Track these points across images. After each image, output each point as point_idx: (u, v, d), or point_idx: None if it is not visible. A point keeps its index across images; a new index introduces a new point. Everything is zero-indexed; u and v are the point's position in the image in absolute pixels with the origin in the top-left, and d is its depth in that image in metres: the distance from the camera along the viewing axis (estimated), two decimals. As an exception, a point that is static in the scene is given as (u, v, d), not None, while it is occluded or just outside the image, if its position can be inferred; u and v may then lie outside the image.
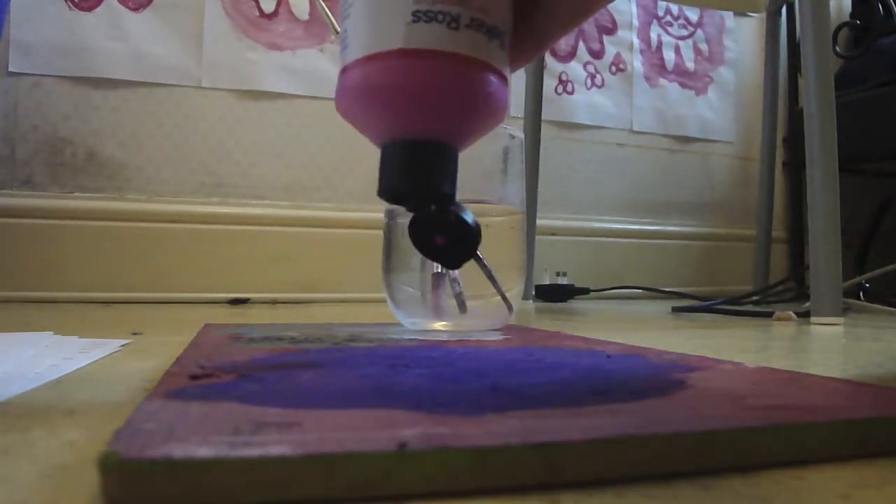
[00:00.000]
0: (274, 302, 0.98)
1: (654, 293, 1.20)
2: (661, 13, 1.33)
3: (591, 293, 1.14)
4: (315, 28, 1.04)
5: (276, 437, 0.15)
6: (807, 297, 0.73)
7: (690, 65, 1.34)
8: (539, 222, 1.08)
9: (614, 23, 1.28)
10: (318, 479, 0.14)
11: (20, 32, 0.90)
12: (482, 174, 0.46)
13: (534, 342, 0.38)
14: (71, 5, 0.92)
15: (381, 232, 0.47)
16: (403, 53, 0.22)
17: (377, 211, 0.49)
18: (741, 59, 1.39)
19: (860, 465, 0.17)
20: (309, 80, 1.03)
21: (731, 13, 1.38)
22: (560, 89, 1.22)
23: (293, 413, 0.18)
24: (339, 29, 0.24)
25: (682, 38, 1.34)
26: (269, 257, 1.00)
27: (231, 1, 1.00)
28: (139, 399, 0.21)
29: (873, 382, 0.25)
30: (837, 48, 1.10)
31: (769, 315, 0.74)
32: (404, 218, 0.46)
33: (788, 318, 0.72)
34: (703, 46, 1.36)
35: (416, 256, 0.44)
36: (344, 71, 0.23)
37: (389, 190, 0.23)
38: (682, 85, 1.33)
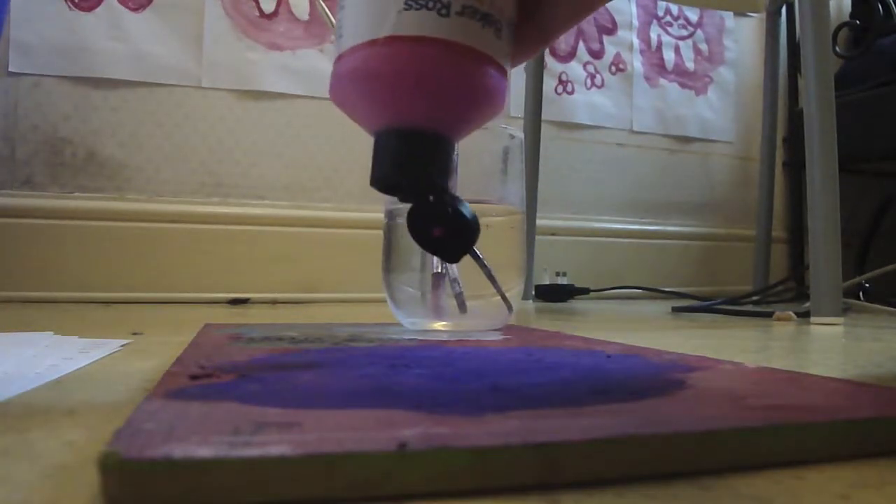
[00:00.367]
0: (274, 302, 0.98)
1: (654, 293, 1.20)
2: (661, 13, 1.33)
3: (591, 293, 1.14)
4: (315, 28, 1.04)
5: (276, 437, 0.15)
6: (807, 297, 0.73)
7: (690, 65, 1.34)
8: (539, 222, 1.08)
9: (614, 23, 1.28)
10: (318, 479, 0.14)
11: (20, 32, 0.90)
12: (482, 174, 0.46)
13: (534, 342, 0.38)
14: (71, 5, 0.92)
15: (381, 232, 0.47)
16: (392, 40, 0.22)
17: (377, 211, 0.49)
18: (741, 59, 1.39)
19: (860, 465, 0.17)
20: (309, 80, 1.03)
21: (731, 13, 1.38)
22: (560, 89, 1.22)
23: (293, 413, 0.18)
24: (337, 25, 0.24)
25: (682, 38, 1.34)
26: (269, 257, 1.00)
27: (231, 1, 1.00)
28: (139, 399, 0.21)
29: (873, 382, 0.25)
30: (837, 48, 1.10)
31: (769, 315, 0.74)
32: (404, 218, 0.46)
33: (788, 318, 0.72)
34: (703, 46, 1.36)
35: (416, 256, 0.44)
36: (338, 59, 0.23)
37: (381, 179, 0.23)
38: (682, 85, 1.33)
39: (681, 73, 1.33)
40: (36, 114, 0.91)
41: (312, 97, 1.03)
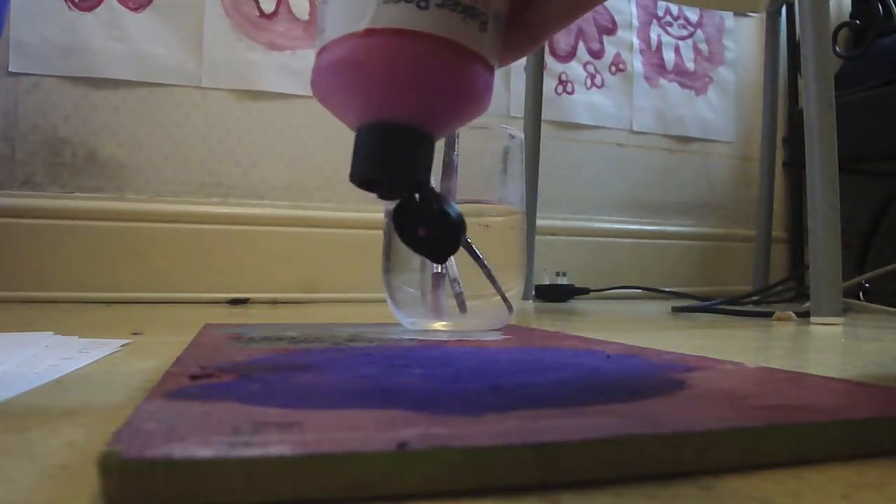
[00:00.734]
0: (274, 302, 0.98)
1: (654, 293, 1.20)
2: (660, 13, 1.33)
3: (591, 293, 1.14)
4: (315, 28, 1.04)
5: (275, 437, 0.15)
6: (807, 297, 0.73)
7: (690, 65, 1.34)
8: (539, 222, 1.08)
9: (614, 23, 1.28)
10: (318, 479, 0.14)
11: (20, 32, 0.90)
12: (482, 174, 0.46)
13: (534, 342, 0.38)
14: (71, 5, 0.92)
15: (381, 232, 0.47)
16: (370, 33, 0.21)
17: (377, 211, 0.49)
18: (741, 59, 1.39)
19: (860, 465, 0.17)
20: (309, 80, 1.02)
21: (731, 13, 1.38)
22: (560, 89, 1.22)
23: (293, 413, 0.18)
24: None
25: (682, 38, 1.34)
26: (269, 257, 1.00)
27: (231, 1, 1.00)
28: (139, 399, 0.21)
29: (873, 382, 0.25)
30: (837, 48, 1.10)
31: (769, 315, 0.74)
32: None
33: (788, 318, 0.72)
34: (703, 46, 1.36)
35: (415, 256, 0.44)
36: (319, 53, 0.23)
37: (359, 174, 0.23)
38: (682, 85, 1.33)
39: (681, 73, 1.33)
40: (36, 114, 0.91)
41: (312, 97, 1.03)
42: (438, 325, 0.45)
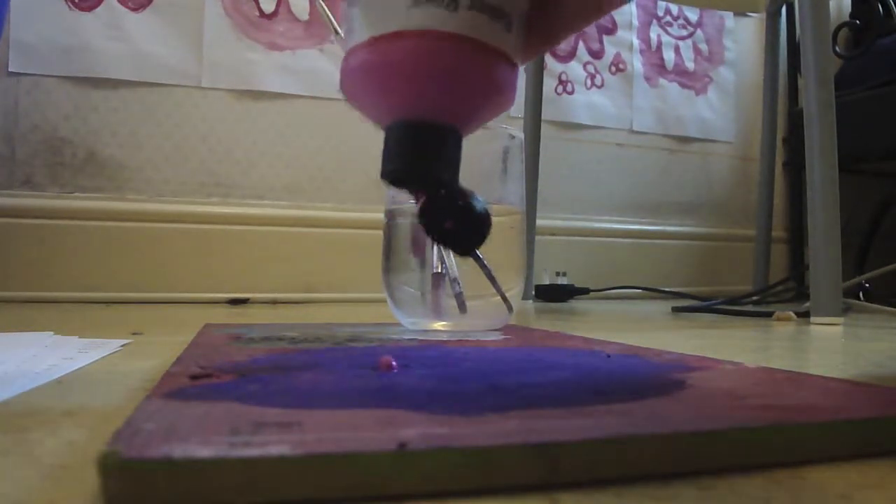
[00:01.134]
0: (274, 302, 0.98)
1: (654, 293, 1.20)
2: (660, 13, 1.33)
3: (591, 293, 1.14)
4: (315, 28, 1.04)
5: (275, 437, 0.15)
6: (807, 297, 0.73)
7: (690, 65, 1.34)
8: (539, 222, 1.08)
9: (614, 23, 1.28)
10: (318, 479, 0.14)
11: (20, 32, 0.90)
12: (482, 174, 0.46)
13: (534, 342, 0.38)
14: (71, 5, 0.92)
15: (381, 232, 0.47)
16: (398, 35, 0.22)
17: (377, 211, 0.49)
18: (741, 59, 1.39)
19: (860, 465, 0.17)
20: (309, 80, 1.03)
21: (731, 13, 1.38)
22: (560, 89, 1.22)
23: (293, 413, 0.18)
24: (339, 29, 0.24)
25: (682, 38, 1.34)
26: (269, 257, 1.00)
27: (231, 1, 1.00)
28: (139, 399, 0.21)
29: (873, 382, 0.25)
30: (837, 48, 1.10)
31: (769, 315, 0.74)
32: (404, 218, 0.46)
33: (788, 318, 0.72)
34: (703, 46, 1.36)
35: (415, 257, 0.44)
36: (348, 54, 0.23)
37: (391, 171, 0.23)
38: (682, 85, 1.33)
39: (681, 73, 1.33)
40: (36, 114, 0.91)
41: (312, 97, 1.03)
42: (438, 325, 0.45)
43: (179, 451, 0.14)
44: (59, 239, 0.90)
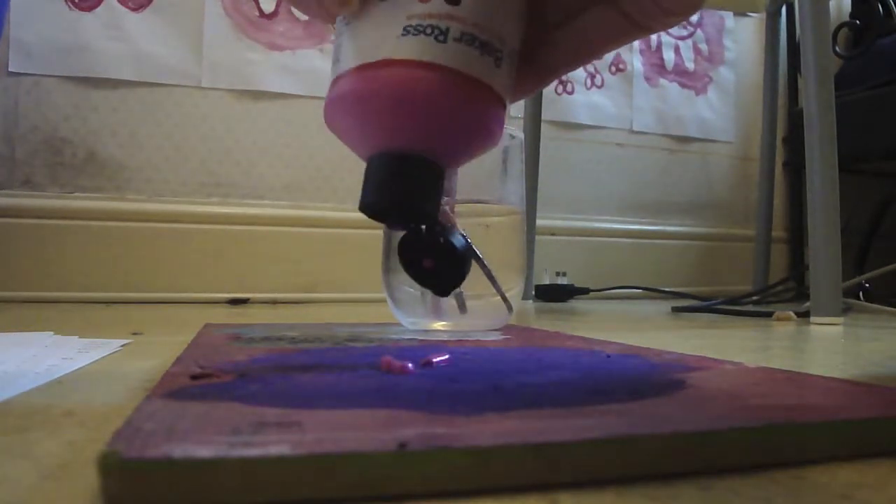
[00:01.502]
0: (274, 302, 0.98)
1: (654, 293, 1.20)
2: (661, 13, 1.33)
3: (591, 293, 1.14)
4: (315, 28, 1.04)
5: (275, 437, 0.15)
6: (807, 297, 0.73)
7: (690, 65, 1.34)
8: (539, 222, 1.08)
9: (614, 23, 1.28)
10: (318, 479, 0.14)
11: (20, 32, 0.90)
12: (482, 174, 0.46)
13: (534, 342, 0.38)
14: (71, 5, 0.92)
15: (381, 232, 0.47)
16: (387, 63, 0.22)
17: (377, 211, 0.49)
18: (741, 59, 1.39)
19: (860, 465, 0.17)
20: (309, 80, 1.03)
21: (731, 13, 1.38)
22: (560, 89, 1.22)
23: (293, 413, 0.18)
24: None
25: (682, 38, 1.34)
26: (269, 257, 1.00)
27: (231, 1, 1.00)
28: (139, 399, 0.21)
29: (873, 382, 0.25)
30: (837, 48, 1.10)
31: (769, 315, 0.74)
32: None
33: (788, 318, 0.72)
34: (703, 46, 1.36)
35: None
36: (333, 83, 0.23)
37: (369, 204, 0.23)
38: (682, 85, 1.33)
39: (681, 73, 1.33)
40: (36, 114, 0.91)
41: (312, 97, 1.03)
42: (438, 325, 0.45)
43: (179, 451, 0.14)
44: (59, 239, 0.90)
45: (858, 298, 0.87)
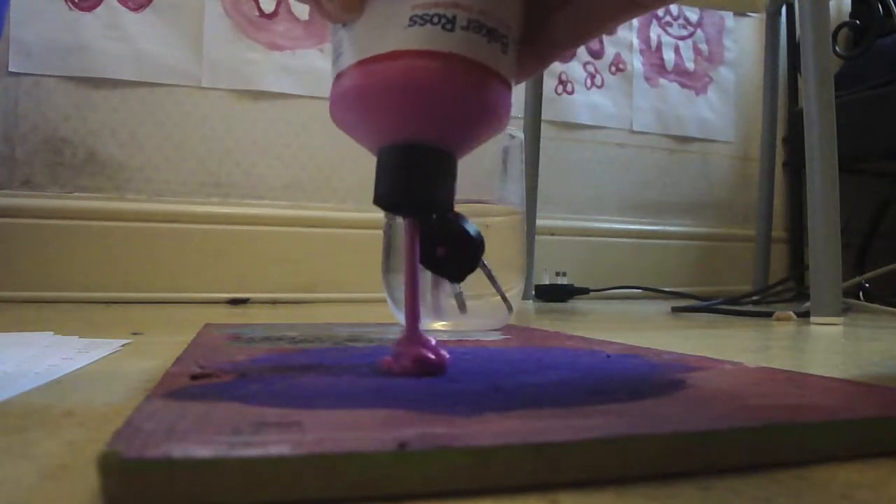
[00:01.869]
0: (274, 302, 0.98)
1: (654, 293, 1.20)
2: (660, 13, 1.33)
3: (591, 293, 1.14)
4: (315, 28, 1.04)
5: (275, 437, 0.15)
6: (807, 297, 0.72)
7: (690, 65, 1.34)
8: (539, 222, 1.08)
9: (614, 23, 1.28)
10: (318, 479, 0.14)
11: (20, 32, 0.90)
12: (482, 174, 0.46)
13: (534, 342, 0.38)
14: (71, 5, 0.92)
15: (381, 232, 0.47)
16: (395, 55, 0.21)
17: (377, 211, 0.49)
18: (741, 59, 1.39)
19: (860, 465, 0.17)
20: (309, 80, 1.03)
21: (731, 13, 1.38)
22: (560, 89, 1.22)
23: (293, 413, 0.18)
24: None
25: (682, 38, 1.34)
26: (269, 257, 1.00)
27: (231, 1, 1.00)
28: (139, 399, 0.21)
29: (873, 382, 0.25)
30: (837, 48, 1.10)
31: (769, 315, 0.74)
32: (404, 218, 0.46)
33: (788, 318, 0.72)
34: (703, 46, 1.36)
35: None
36: (337, 78, 0.23)
37: (384, 196, 0.23)
38: (682, 85, 1.33)
39: (681, 73, 1.33)
40: (36, 114, 0.91)
41: (312, 97, 1.03)
42: (438, 325, 0.45)
43: (179, 451, 0.14)
44: (59, 239, 0.90)
45: (858, 298, 0.87)
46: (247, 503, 0.14)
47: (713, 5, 1.31)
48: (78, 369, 0.31)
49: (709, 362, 0.29)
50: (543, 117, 1.08)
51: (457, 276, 0.26)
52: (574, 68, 1.24)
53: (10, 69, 0.90)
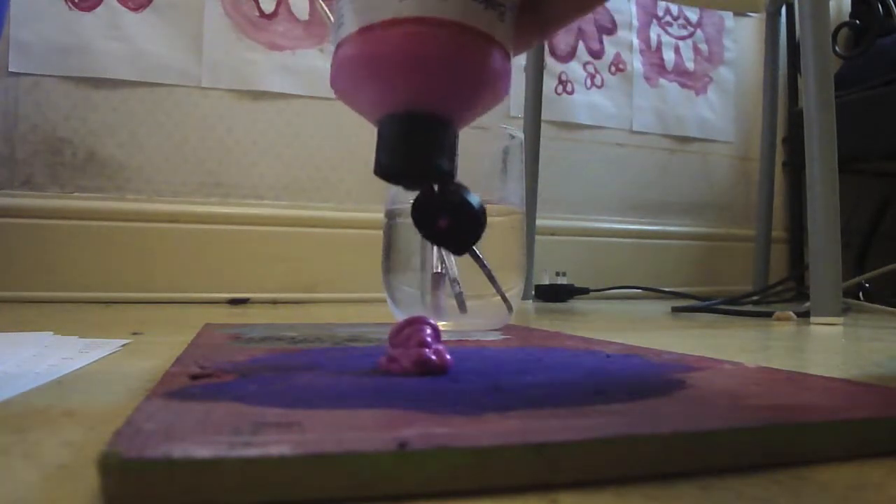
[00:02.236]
0: (274, 302, 0.98)
1: (654, 293, 1.20)
2: (660, 13, 1.33)
3: (591, 293, 1.14)
4: (315, 28, 1.04)
5: (275, 437, 0.15)
6: (807, 297, 0.72)
7: (690, 65, 1.34)
8: (539, 222, 1.08)
9: (614, 23, 1.28)
10: (318, 479, 0.14)
11: (20, 32, 0.90)
12: (482, 174, 0.46)
13: (534, 342, 0.38)
14: (71, 5, 0.92)
15: (381, 232, 0.47)
16: (393, 23, 0.21)
17: (377, 211, 0.49)
18: (741, 59, 1.39)
19: (860, 465, 0.17)
20: (309, 80, 1.03)
21: (731, 13, 1.38)
22: (560, 89, 1.22)
23: (293, 413, 0.18)
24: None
25: (682, 38, 1.34)
26: (269, 257, 1.00)
27: (231, 1, 1.00)
28: (139, 399, 0.21)
29: (873, 382, 0.25)
30: (837, 48, 1.10)
31: (769, 315, 0.74)
32: (404, 218, 0.46)
33: (788, 318, 0.72)
34: (703, 46, 1.36)
35: (416, 256, 0.44)
36: (338, 48, 0.23)
37: (385, 166, 0.23)
38: (682, 85, 1.33)
39: (681, 73, 1.33)
40: (36, 114, 0.91)
41: (312, 97, 1.03)
42: (438, 325, 0.45)
43: (179, 451, 0.14)
44: (59, 239, 0.90)
45: (858, 298, 0.87)
46: (247, 503, 0.14)
47: (713, 5, 1.31)
48: (78, 369, 0.31)
49: (709, 362, 0.29)
50: (543, 117, 1.08)
51: (460, 248, 0.25)
52: (574, 68, 1.24)
53: (10, 69, 0.90)
